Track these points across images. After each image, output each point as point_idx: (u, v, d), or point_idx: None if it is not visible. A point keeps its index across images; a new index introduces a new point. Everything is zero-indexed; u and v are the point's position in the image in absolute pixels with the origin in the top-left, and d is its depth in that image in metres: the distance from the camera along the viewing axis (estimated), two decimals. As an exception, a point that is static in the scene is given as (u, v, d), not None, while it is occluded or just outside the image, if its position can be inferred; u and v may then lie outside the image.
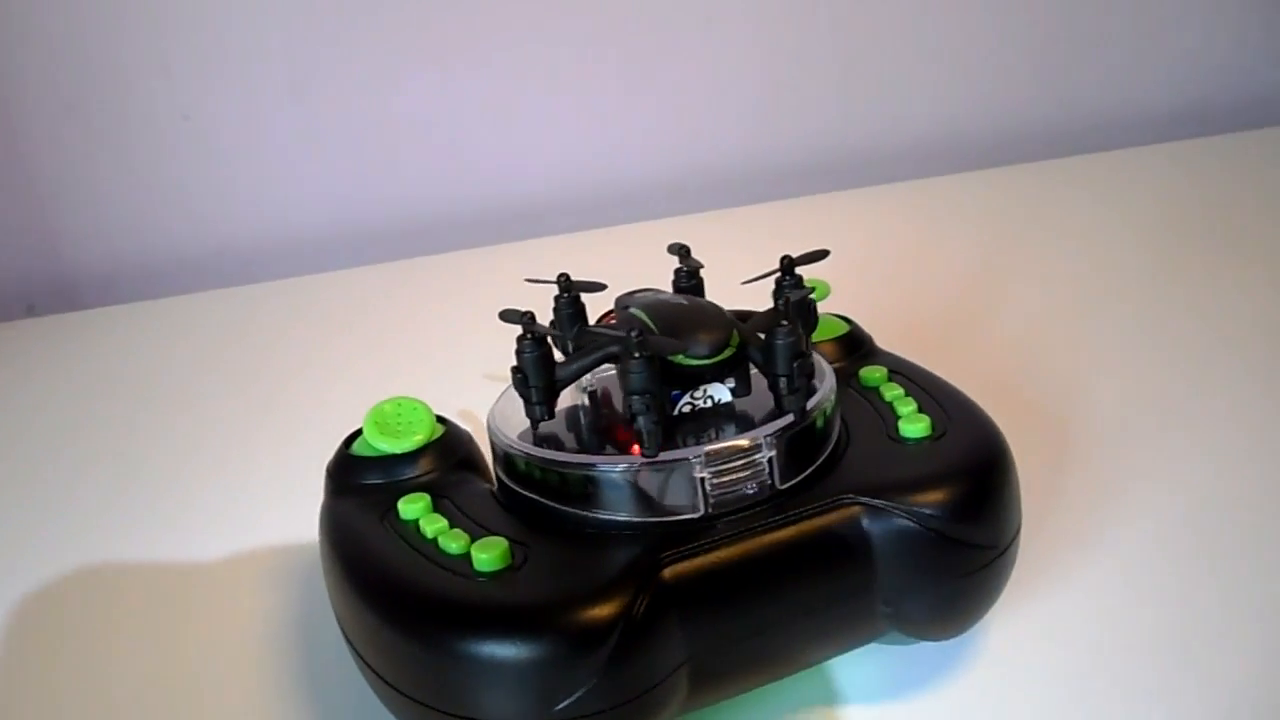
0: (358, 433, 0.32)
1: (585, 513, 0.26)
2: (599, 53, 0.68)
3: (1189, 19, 0.74)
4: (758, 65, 0.70)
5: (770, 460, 0.26)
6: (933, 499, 0.27)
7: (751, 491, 0.26)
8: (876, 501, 0.27)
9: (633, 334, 0.25)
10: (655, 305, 0.28)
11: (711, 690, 0.26)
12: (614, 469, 0.26)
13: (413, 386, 0.35)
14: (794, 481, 0.27)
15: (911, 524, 0.26)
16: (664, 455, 0.26)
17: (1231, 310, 0.49)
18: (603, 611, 0.24)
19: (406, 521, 0.28)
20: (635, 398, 0.25)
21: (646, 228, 0.65)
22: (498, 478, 0.29)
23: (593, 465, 0.26)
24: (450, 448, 0.31)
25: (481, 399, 0.32)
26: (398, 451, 0.30)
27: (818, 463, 0.28)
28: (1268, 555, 0.33)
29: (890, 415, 0.30)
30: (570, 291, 0.30)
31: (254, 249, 0.69)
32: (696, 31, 0.68)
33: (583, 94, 0.69)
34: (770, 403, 0.27)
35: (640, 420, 0.25)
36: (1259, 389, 0.42)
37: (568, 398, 0.29)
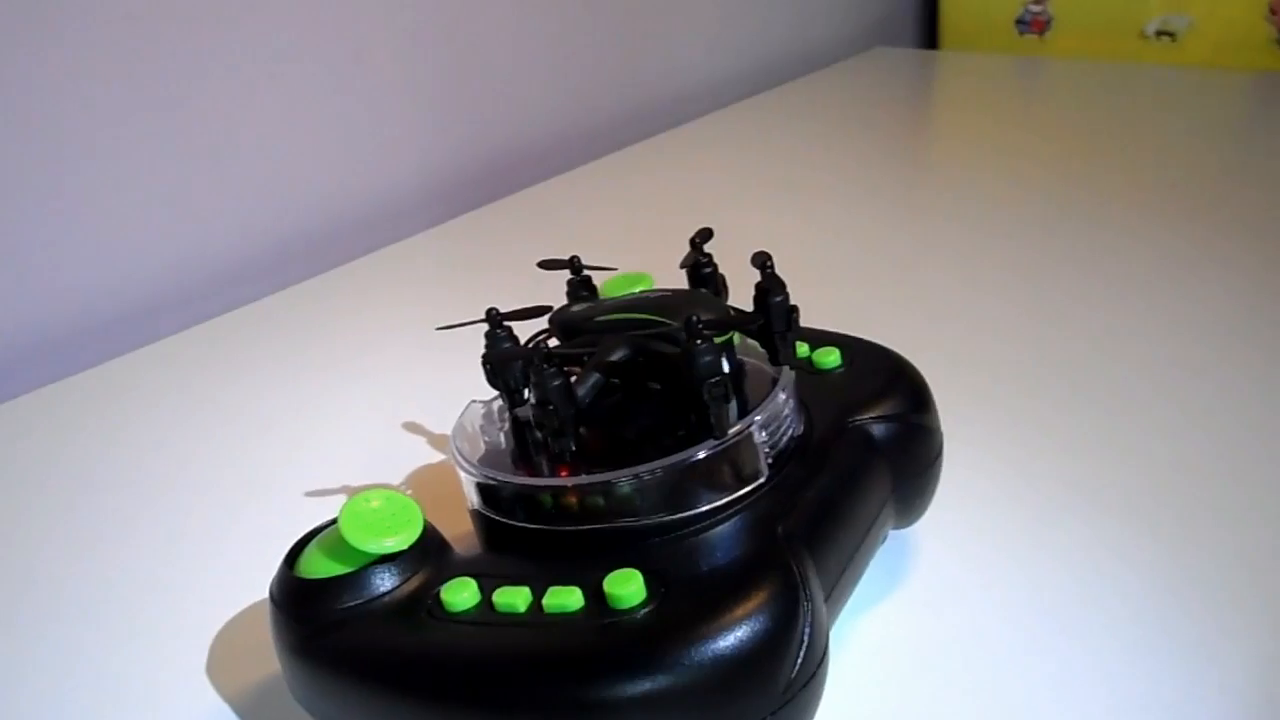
0: (290, 563, 0.27)
1: (668, 516, 0.26)
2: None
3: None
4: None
5: (793, 409, 0.28)
6: (898, 403, 0.31)
7: (788, 441, 0.28)
8: (874, 414, 0.30)
9: (695, 320, 0.25)
10: (635, 303, 0.28)
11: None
12: (696, 458, 0.26)
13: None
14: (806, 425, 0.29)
15: (895, 425, 0.30)
16: (731, 432, 0.26)
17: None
18: (787, 583, 0.24)
19: (468, 609, 0.25)
20: (710, 383, 0.25)
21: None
22: (528, 527, 0.27)
23: (677, 463, 0.26)
24: (428, 530, 0.28)
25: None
26: (396, 550, 0.26)
27: (808, 406, 0.30)
28: (1146, 426, 0.40)
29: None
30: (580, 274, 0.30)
31: None
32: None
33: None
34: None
35: (714, 405, 0.25)
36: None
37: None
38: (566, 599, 0.24)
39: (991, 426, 0.40)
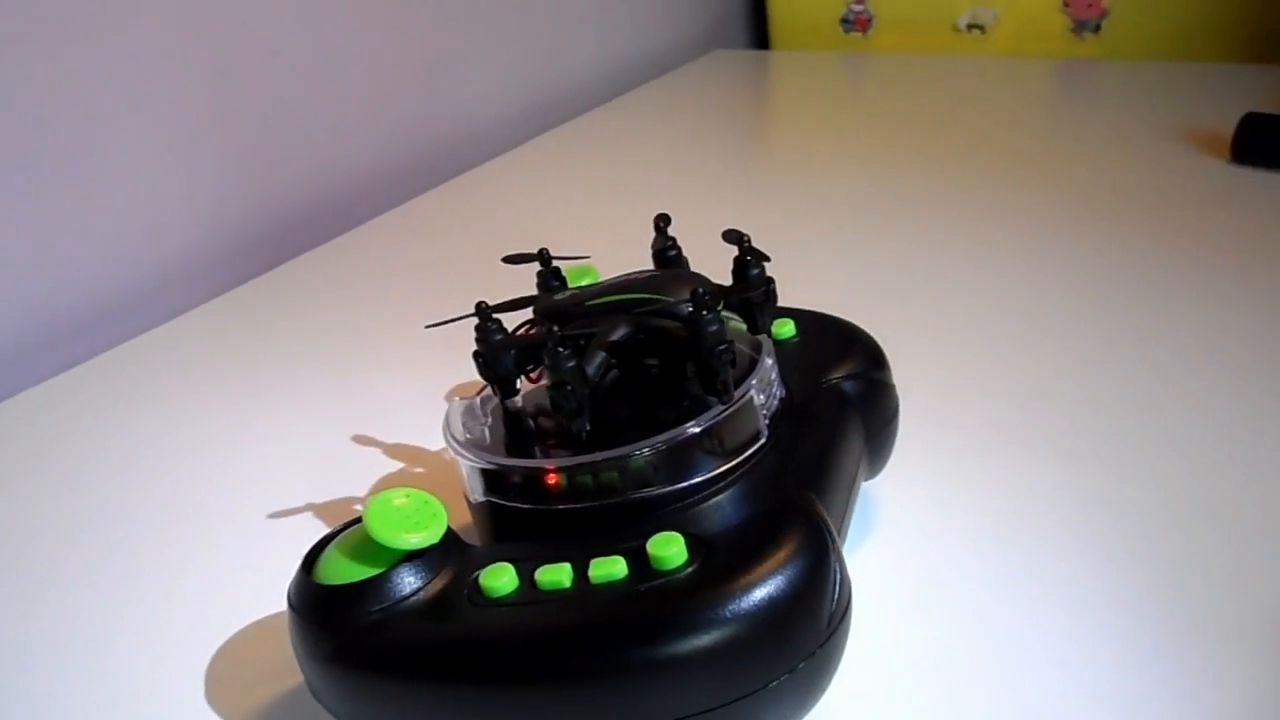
0: (309, 570, 0.27)
1: (686, 481, 0.27)
2: None
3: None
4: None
5: (777, 373, 0.30)
6: (859, 361, 0.33)
7: (777, 402, 0.30)
8: (841, 374, 0.32)
9: (701, 292, 0.26)
10: (625, 285, 0.29)
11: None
12: (712, 422, 0.27)
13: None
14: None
15: (860, 382, 0.33)
16: (736, 395, 0.28)
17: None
18: (814, 527, 0.26)
19: (510, 593, 0.25)
20: (719, 349, 0.27)
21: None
22: (551, 508, 0.27)
23: (694, 430, 0.27)
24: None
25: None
26: (424, 545, 0.26)
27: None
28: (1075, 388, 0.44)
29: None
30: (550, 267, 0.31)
31: None
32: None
33: None
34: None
35: (723, 371, 0.27)
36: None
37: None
38: (611, 569, 0.25)
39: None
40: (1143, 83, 0.83)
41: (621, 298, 0.29)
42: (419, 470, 0.39)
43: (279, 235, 0.66)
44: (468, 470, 0.29)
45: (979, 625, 0.31)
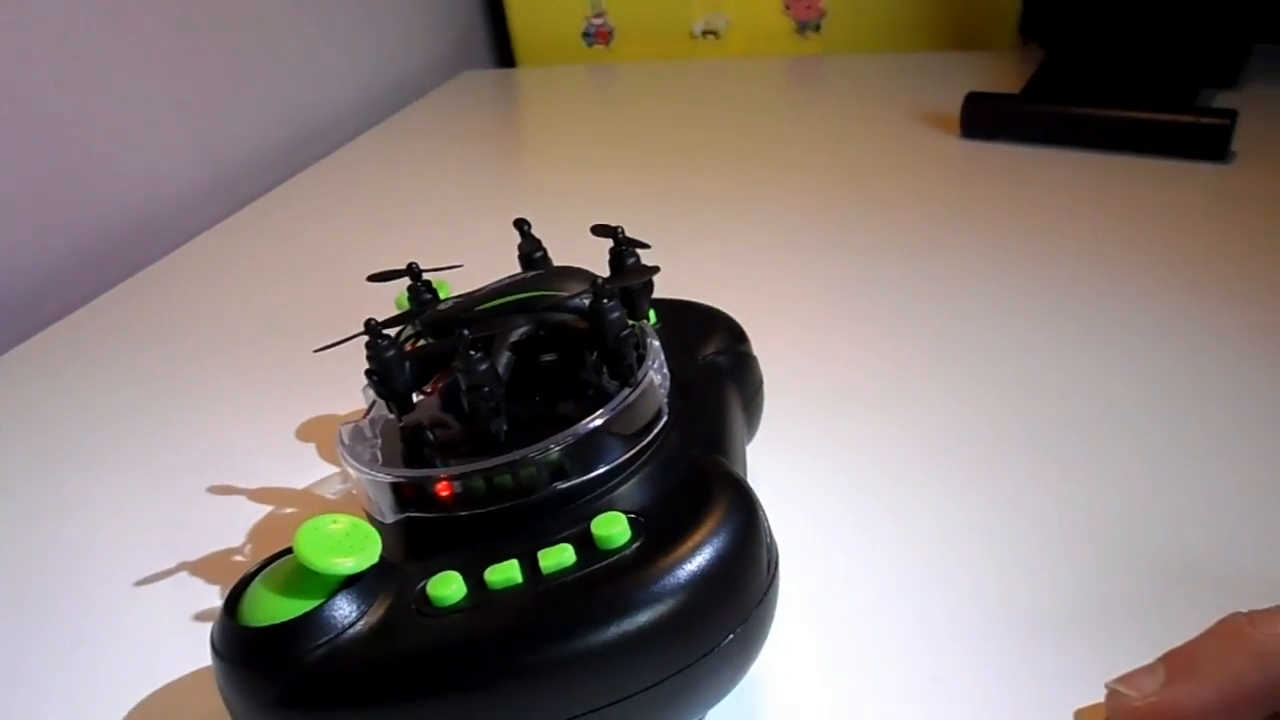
0: (232, 613, 0.25)
1: (607, 465, 0.28)
2: None
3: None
4: None
5: (663, 355, 0.31)
6: (725, 337, 0.35)
7: (664, 379, 0.31)
8: (710, 351, 0.34)
9: (602, 282, 0.27)
10: (511, 286, 0.30)
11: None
12: (626, 404, 0.28)
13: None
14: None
15: (730, 356, 0.35)
16: (641, 381, 0.29)
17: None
18: (738, 489, 0.27)
19: (462, 599, 0.25)
20: (625, 335, 0.28)
21: None
22: (475, 513, 0.27)
23: (609, 414, 0.28)
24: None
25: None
26: (358, 569, 0.25)
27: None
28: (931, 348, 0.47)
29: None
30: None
31: None
32: None
33: None
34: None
35: (629, 355, 0.28)
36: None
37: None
38: (560, 557, 0.25)
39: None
40: (872, 72, 0.91)
41: (516, 298, 0.29)
42: (290, 510, 0.37)
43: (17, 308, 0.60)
44: (381, 490, 0.28)
45: (858, 568, 0.33)
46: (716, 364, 0.34)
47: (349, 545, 0.25)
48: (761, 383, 0.36)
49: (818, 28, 1.02)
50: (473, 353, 0.27)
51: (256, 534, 0.36)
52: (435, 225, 0.66)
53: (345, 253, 0.62)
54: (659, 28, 1.05)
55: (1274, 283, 0.49)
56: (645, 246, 0.31)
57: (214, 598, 0.33)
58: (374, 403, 0.32)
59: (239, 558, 0.34)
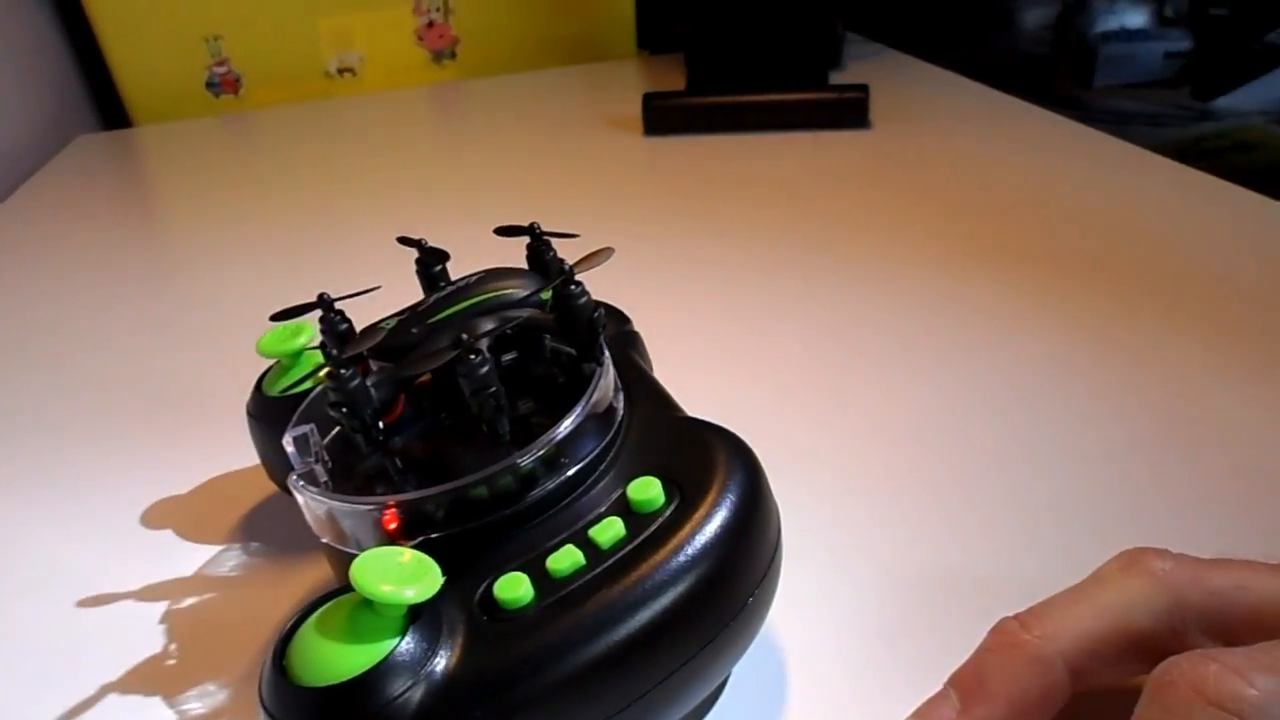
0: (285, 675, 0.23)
1: (603, 442, 0.28)
2: None
3: None
4: None
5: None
6: (615, 318, 0.37)
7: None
8: (607, 332, 0.36)
9: (569, 271, 0.28)
10: (456, 295, 0.29)
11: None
12: (601, 384, 0.29)
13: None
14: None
15: (621, 334, 0.37)
16: (606, 357, 0.30)
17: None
18: (737, 443, 0.29)
19: (533, 599, 0.25)
20: (597, 315, 0.28)
21: None
22: (491, 519, 0.27)
23: (593, 396, 0.28)
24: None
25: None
26: (427, 596, 0.24)
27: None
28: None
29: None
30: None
31: None
32: None
33: None
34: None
35: (601, 335, 0.29)
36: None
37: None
38: (613, 529, 0.26)
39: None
40: (512, 90, 0.95)
41: (471, 302, 0.29)
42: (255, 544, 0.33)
43: None
44: (360, 517, 0.27)
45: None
46: (616, 341, 0.36)
47: (410, 575, 0.24)
48: (646, 354, 0.38)
49: (453, 55, 1.04)
50: (473, 357, 0.26)
51: (209, 568, 0.32)
52: (81, 294, 0.60)
53: None
54: (290, 70, 1.01)
55: (921, 221, 0.59)
56: (571, 236, 0.32)
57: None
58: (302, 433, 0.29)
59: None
